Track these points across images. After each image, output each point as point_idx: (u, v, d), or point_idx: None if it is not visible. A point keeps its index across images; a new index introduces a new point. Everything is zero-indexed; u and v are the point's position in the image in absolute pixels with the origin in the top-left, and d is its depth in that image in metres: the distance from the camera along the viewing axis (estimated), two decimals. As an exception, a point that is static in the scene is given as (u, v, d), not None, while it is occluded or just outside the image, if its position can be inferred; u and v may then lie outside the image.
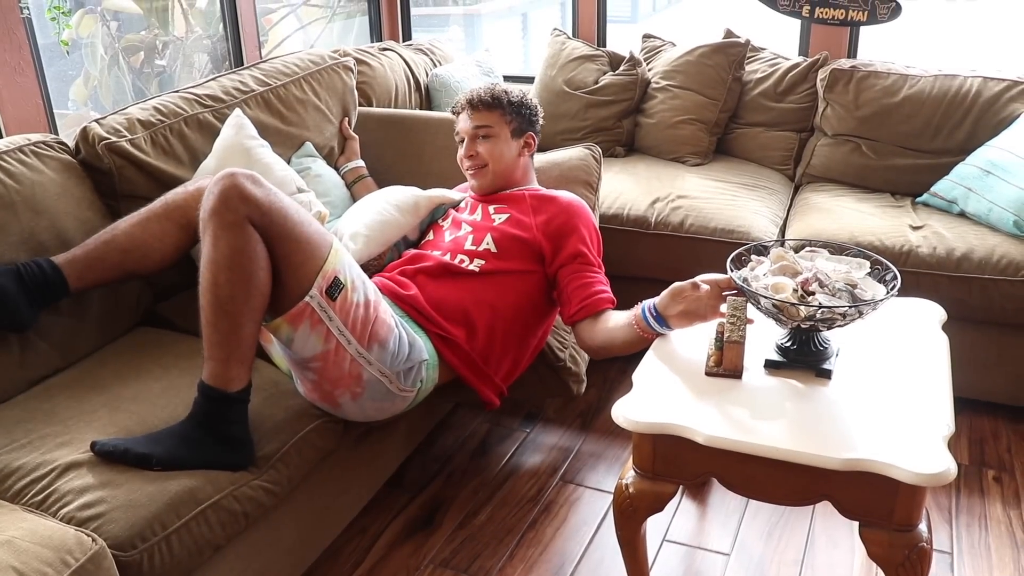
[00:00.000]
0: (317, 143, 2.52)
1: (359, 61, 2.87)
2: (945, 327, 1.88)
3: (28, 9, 2.19)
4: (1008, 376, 2.51)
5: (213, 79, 2.39)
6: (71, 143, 2.11)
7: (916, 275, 2.44)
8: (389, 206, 2.18)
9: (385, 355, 1.78)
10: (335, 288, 1.70)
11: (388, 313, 1.83)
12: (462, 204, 2.24)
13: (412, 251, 2.14)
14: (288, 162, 2.39)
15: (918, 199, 2.80)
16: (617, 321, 1.92)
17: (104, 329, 2.02)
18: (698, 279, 1.75)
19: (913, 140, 2.87)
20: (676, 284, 1.76)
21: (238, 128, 2.23)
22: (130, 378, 1.84)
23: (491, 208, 2.14)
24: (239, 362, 1.64)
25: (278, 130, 2.40)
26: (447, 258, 2.04)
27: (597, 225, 2.16)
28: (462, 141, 2.18)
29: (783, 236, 2.71)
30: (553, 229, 2.05)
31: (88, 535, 1.42)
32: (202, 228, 1.65)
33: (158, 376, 1.85)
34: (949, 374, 1.69)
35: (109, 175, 2.08)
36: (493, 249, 2.04)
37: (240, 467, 1.67)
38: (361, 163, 2.59)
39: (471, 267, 2.02)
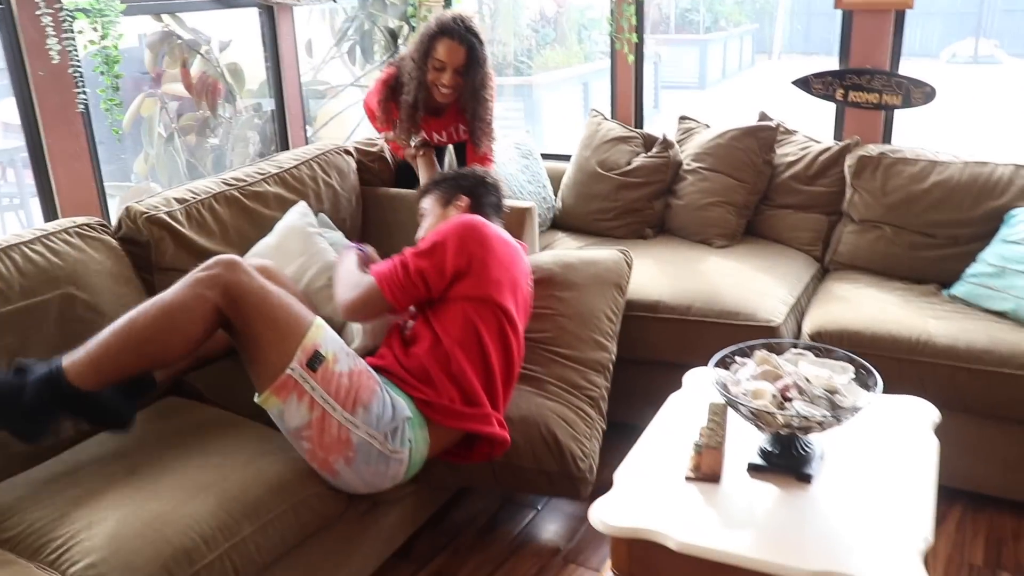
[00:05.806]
0: (332, 215, 2.75)
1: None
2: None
3: (85, 95, 2.39)
4: (1033, 475, 2.44)
5: (237, 169, 2.67)
6: (116, 220, 2.33)
7: (933, 366, 2.39)
8: None
9: (370, 417, 1.89)
10: (315, 360, 1.85)
11: (373, 379, 1.95)
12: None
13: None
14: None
15: (945, 291, 2.75)
16: None
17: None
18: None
19: (941, 228, 2.84)
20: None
21: (302, 215, 2.50)
22: (151, 445, 1.97)
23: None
24: (100, 371, 1.77)
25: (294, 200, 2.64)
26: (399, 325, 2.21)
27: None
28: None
29: (798, 324, 2.69)
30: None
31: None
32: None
33: (175, 444, 1.98)
34: (935, 481, 1.69)
35: (147, 247, 2.28)
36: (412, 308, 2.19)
37: (22, 432, 1.75)
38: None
39: (410, 323, 2.17)
